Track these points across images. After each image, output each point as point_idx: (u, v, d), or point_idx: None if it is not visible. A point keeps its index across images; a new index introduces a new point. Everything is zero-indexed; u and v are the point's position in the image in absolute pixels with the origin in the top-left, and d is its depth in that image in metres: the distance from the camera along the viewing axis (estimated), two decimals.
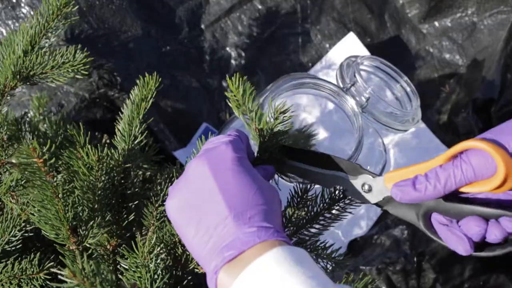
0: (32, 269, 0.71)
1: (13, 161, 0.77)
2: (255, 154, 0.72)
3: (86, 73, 0.74)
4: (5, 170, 0.77)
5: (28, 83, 0.75)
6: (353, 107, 0.93)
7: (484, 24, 1.28)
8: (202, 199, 0.61)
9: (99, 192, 0.71)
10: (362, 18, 1.30)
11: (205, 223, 0.60)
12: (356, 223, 1.19)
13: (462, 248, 0.63)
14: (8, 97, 0.75)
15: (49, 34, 0.76)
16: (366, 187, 0.71)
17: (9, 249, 0.74)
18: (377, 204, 0.70)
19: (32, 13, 1.13)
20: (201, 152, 0.64)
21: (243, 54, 1.26)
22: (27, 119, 1.00)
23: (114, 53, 1.18)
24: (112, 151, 0.75)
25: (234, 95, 0.69)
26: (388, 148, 1.20)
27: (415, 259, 1.18)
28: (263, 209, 0.60)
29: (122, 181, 0.76)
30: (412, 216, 0.68)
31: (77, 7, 0.75)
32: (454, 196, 0.64)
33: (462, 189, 0.62)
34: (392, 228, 1.19)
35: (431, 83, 1.28)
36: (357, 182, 0.71)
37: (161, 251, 0.68)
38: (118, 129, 0.77)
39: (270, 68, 1.26)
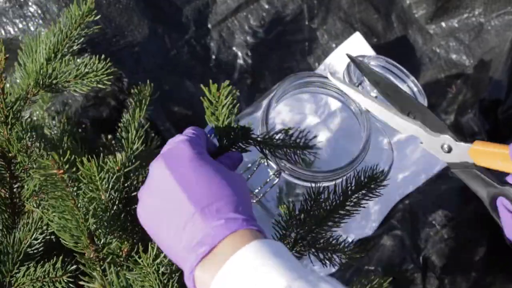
0: (55, 272, 0.72)
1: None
2: (217, 144, 0.72)
3: (109, 83, 0.75)
4: (28, 175, 0.78)
5: (51, 91, 0.76)
6: (360, 106, 0.93)
7: (491, 24, 1.28)
8: (167, 201, 0.60)
9: (106, 199, 0.71)
10: (369, 18, 1.30)
11: (174, 224, 0.59)
12: (361, 224, 1.19)
13: None
14: (30, 103, 0.76)
15: (72, 43, 0.77)
16: (446, 147, 0.70)
17: (31, 252, 0.74)
18: (450, 164, 0.70)
19: (39, 12, 1.13)
20: (159, 155, 0.64)
21: (249, 53, 1.26)
22: (34, 119, 1.00)
23: (121, 52, 1.18)
24: (111, 158, 0.76)
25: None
26: (395, 147, 1.20)
27: (420, 259, 1.18)
28: (229, 200, 0.59)
29: (125, 185, 0.77)
30: (483, 193, 0.69)
31: (99, 16, 0.76)
32: None
33: None
34: (397, 229, 1.19)
35: (437, 84, 1.28)
36: (437, 139, 0.70)
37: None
38: (120, 136, 0.79)
39: (276, 68, 1.26)
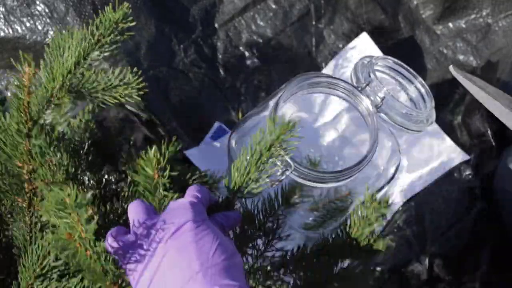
0: None
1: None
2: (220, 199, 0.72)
3: (139, 99, 0.73)
4: (50, 189, 0.77)
5: (77, 98, 0.73)
6: (368, 107, 0.92)
7: (499, 25, 1.28)
8: (165, 271, 0.60)
9: None
10: (376, 19, 1.30)
11: None
12: None
13: None
14: (53, 106, 0.73)
15: (103, 49, 0.74)
16: None
17: (54, 265, 0.71)
18: None
19: (47, 10, 1.13)
20: (160, 223, 0.64)
21: (256, 53, 1.26)
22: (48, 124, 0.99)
23: (128, 51, 1.18)
24: None
25: None
26: (402, 148, 1.20)
27: (426, 260, 1.18)
28: (224, 265, 0.60)
29: None
30: None
31: (134, 23, 0.73)
32: None
33: None
34: (403, 229, 1.19)
35: (444, 84, 1.28)
36: None
37: None
38: None
39: (283, 68, 1.26)
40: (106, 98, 0.73)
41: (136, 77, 0.72)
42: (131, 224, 0.66)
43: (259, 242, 0.78)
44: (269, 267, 0.79)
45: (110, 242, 0.63)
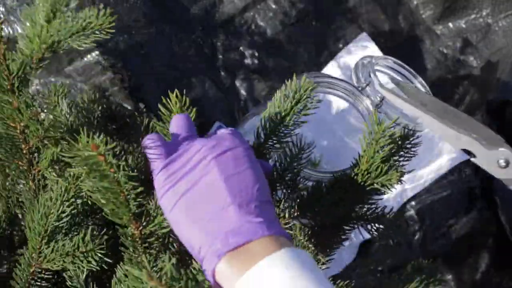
0: (85, 246, 0.68)
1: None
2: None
3: (112, 31, 0.71)
4: (44, 144, 0.75)
5: (55, 51, 0.72)
6: (368, 107, 0.93)
7: (499, 25, 1.28)
8: (203, 188, 0.58)
9: None
10: (376, 19, 1.30)
11: (205, 210, 0.57)
12: None
13: None
14: (37, 68, 0.72)
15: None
16: (503, 162, 0.66)
17: (61, 225, 0.70)
18: (505, 181, 0.66)
19: None
20: (205, 140, 0.62)
21: (256, 53, 1.26)
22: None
23: (128, 51, 1.18)
24: None
25: None
26: None
27: (427, 260, 1.18)
28: (265, 202, 0.58)
29: None
30: None
31: None
32: None
33: None
34: (403, 229, 1.19)
35: (445, 84, 1.28)
36: (493, 153, 0.66)
37: None
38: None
39: (283, 68, 1.26)
40: (82, 39, 0.71)
41: (103, 11, 0.71)
42: (172, 134, 0.64)
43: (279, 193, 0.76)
44: (286, 215, 0.75)
45: (147, 142, 0.61)
